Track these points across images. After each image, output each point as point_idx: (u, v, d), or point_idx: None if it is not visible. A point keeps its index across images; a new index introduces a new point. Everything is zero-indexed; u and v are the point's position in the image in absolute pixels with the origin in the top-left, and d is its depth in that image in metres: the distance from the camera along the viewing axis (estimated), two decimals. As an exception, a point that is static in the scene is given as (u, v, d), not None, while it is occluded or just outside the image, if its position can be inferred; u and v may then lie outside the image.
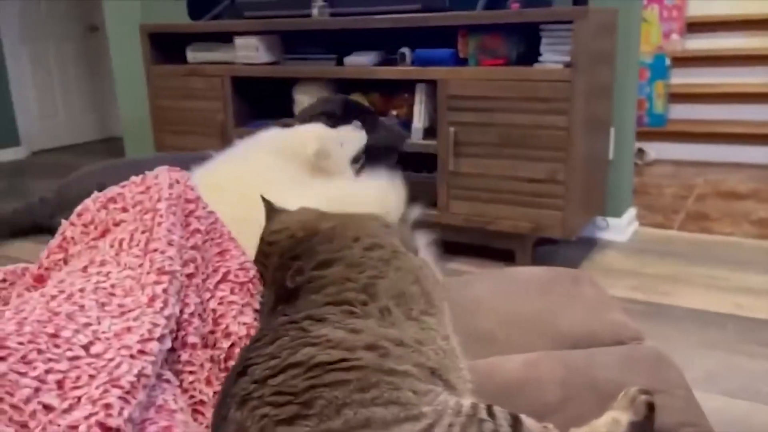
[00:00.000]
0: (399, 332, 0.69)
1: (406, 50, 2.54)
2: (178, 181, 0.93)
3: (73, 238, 0.90)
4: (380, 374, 0.62)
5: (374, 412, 0.58)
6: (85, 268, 0.81)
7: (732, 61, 3.87)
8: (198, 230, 0.89)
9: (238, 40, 2.87)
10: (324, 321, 0.68)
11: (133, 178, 0.94)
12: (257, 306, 0.89)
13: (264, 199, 0.99)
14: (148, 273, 0.78)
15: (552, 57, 2.25)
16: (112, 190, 0.93)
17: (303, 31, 2.81)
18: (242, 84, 2.95)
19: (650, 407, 0.67)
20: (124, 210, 0.89)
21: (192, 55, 3.06)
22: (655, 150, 3.84)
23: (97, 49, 5.44)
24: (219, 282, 0.87)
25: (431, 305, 0.75)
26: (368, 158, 1.62)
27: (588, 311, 0.84)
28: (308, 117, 1.64)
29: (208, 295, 0.85)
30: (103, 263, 0.81)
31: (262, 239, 0.94)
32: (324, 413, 0.58)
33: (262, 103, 3.07)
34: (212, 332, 0.83)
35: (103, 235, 0.88)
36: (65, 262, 0.90)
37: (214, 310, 0.84)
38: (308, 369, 0.62)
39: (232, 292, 0.87)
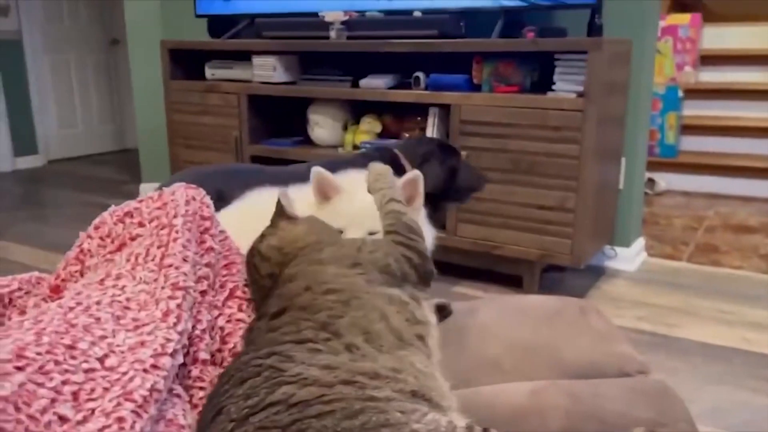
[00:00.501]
0: (372, 364, 0.67)
1: (420, 74, 2.58)
2: (194, 198, 0.95)
3: (90, 250, 0.92)
4: (363, 402, 0.61)
5: None
6: (101, 281, 0.83)
7: (744, 94, 3.89)
8: (212, 248, 0.91)
9: (256, 59, 2.92)
10: (292, 359, 0.66)
11: (150, 194, 0.96)
12: None
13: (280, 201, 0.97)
14: (163, 288, 0.79)
15: (565, 86, 2.27)
16: (129, 204, 0.95)
17: (320, 52, 2.86)
18: (258, 102, 3.00)
19: None
20: (141, 225, 0.91)
21: (210, 71, 3.11)
22: (665, 181, 3.84)
23: (117, 62, 5.54)
24: (227, 299, 0.89)
25: (403, 341, 0.73)
26: (448, 197, 1.78)
27: (594, 342, 0.85)
28: (418, 156, 1.72)
29: (216, 312, 0.86)
30: (119, 277, 0.83)
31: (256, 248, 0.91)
32: None
33: (278, 121, 3.11)
34: (219, 350, 0.84)
35: (119, 249, 0.90)
36: (82, 274, 0.92)
37: (222, 328, 0.85)
38: (290, 406, 0.61)
39: (239, 309, 0.88)
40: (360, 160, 1.64)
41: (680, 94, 3.87)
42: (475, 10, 2.56)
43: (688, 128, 3.95)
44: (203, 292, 0.85)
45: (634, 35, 2.52)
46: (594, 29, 2.38)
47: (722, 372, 1.87)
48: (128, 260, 0.86)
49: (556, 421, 0.74)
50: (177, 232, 0.86)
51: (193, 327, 0.81)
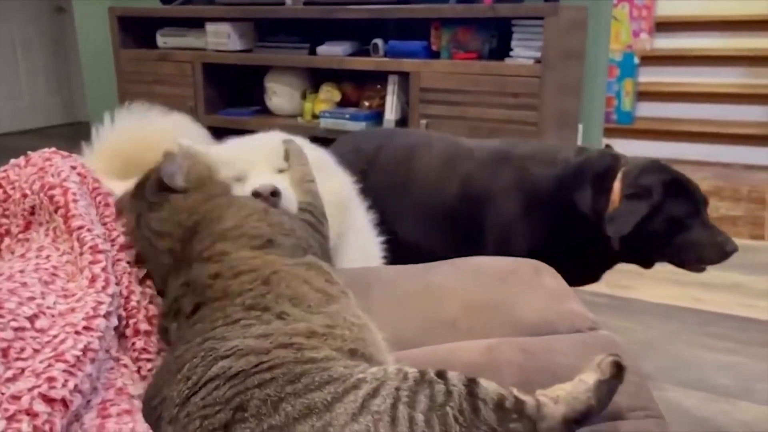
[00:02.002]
0: (307, 324, 0.68)
1: (379, 41, 2.54)
2: (82, 165, 0.90)
3: None
4: (303, 364, 0.61)
5: (312, 398, 0.58)
6: (22, 255, 0.80)
7: (699, 61, 3.95)
8: (108, 205, 0.87)
9: (210, 27, 2.84)
10: (226, 338, 0.66)
11: (13, 161, 0.91)
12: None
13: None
14: (82, 254, 0.76)
15: (523, 52, 2.27)
16: None
17: (276, 19, 2.79)
18: (213, 71, 2.92)
19: (617, 366, 0.67)
20: (24, 195, 0.85)
21: (162, 40, 3.01)
22: (621, 147, 3.90)
23: (64, 31, 5.32)
24: (147, 276, 0.85)
25: (330, 297, 0.74)
26: (653, 250, 1.41)
27: (547, 300, 0.86)
28: (634, 185, 1.37)
29: (139, 288, 0.83)
30: (41, 249, 0.80)
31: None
32: (261, 412, 0.57)
33: (234, 90, 3.04)
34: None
35: (27, 227, 0.85)
36: None
37: (146, 308, 0.82)
38: (229, 379, 0.60)
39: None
40: (575, 152, 1.49)
41: (636, 60, 3.91)
42: (432, -26, 2.52)
43: (644, 95, 4.01)
44: (129, 263, 0.83)
45: (591, 1, 2.53)
46: (552, -5, 2.37)
47: (675, 330, 1.94)
48: (47, 235, 0.82)
49: (510, 376, 0.75)
50: (73, 193, 0.82)
51: (128, 298, 0.79)
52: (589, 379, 0.66)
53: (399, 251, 1.40)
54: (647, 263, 1.44)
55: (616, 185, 1.37)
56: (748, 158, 3.66)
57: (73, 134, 5.03)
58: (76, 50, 4.96)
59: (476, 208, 1.47)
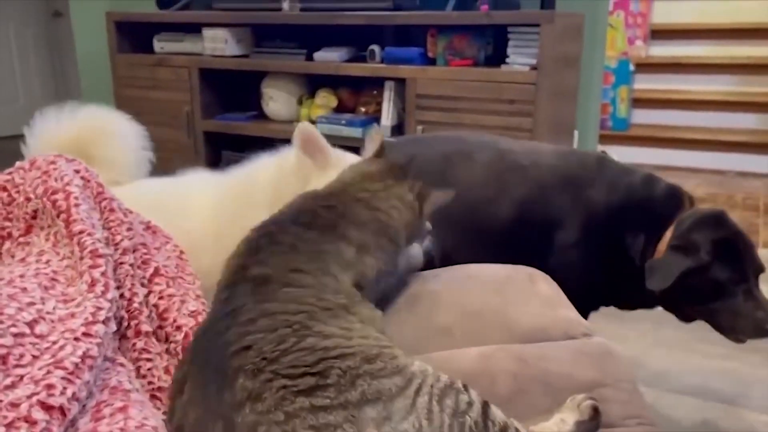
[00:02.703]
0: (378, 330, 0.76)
1: (375, 48, 2.55)
2: (86, 170, 0.91)
3: None
4: (379, 348, 0.68)
5: (383, 384, 0.63)
6: (23, 260, 0.80)
7: (693, 68, 3.99)
8: (122, 220, 0.88)
9: (207, 32, 2.84)
10: (316, 317, 0.71)
11: (19, 164, 0.91)
12: (197, 292, 0.89)
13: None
14: (82, 258, 0.76)
15: (519, 59, 2.28)
16: None
17: (273, 24, 2.80)
18: (210, 76, 2.92)
19: (595, 410, 0.71)
20: (28, 199, 0.86)
21: (159, 45, 3.02)
22: (617, 153, 3.92)
23: (60, 35, 5.31)
24: (153, 276, 0.86)
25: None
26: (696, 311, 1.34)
27: (541, 307, 0.86)
28: (685, 237, 1.26)
29: (145, 290, 0.84)
30: (41, 253, 0.80)
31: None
32: (341, 384, 0.62)
33: (231, 95, 3.04)
34: (161, 327, 0.82)
35: (28, 231, 0.85)
36: None
37: (156, 305, 0.83)
38: (315, 351, 0.66)
39: (168, 285, 0.86)
40: (642, 179, 1.40)
41: (631, 67, 3.94)
42: (429, -18, 2.53)
43: (639, 101, 4.04)
44: (132, 265, 0.83)
45: (587, 9, 2.54)
46: (547, 2, 2.39)
47: (672, 337, 1.94)
48: (47, 239, 0.82)
49: (504, 385, 0.75)
50: (76, 198, 0.82)
51: (130, 300, 0.80)
52: (569, 419, 0.71)
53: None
54: (686, 317, 1.38)
55: (668, 233, 1.28)
56: (742, 165, 3.69)
57: (68, 138, 5.02)
58: (73, 54, 4.96)
59: (531, 234, 1.39)
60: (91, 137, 1.26)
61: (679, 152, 3.86)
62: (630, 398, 0.74)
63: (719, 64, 3.92)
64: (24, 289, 0.68)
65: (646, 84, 4.05)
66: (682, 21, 4.06)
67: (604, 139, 3.82)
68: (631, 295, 1.39)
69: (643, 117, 4.05)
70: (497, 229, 1.41)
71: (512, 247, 1.39)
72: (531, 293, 0.89)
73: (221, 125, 2.91)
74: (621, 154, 3.96)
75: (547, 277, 0.97)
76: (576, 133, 2.67)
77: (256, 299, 0.72)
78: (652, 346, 1.89)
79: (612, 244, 1.34)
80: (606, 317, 2.04)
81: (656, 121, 4.04)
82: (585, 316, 1.46)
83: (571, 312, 0.87)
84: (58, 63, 5.40)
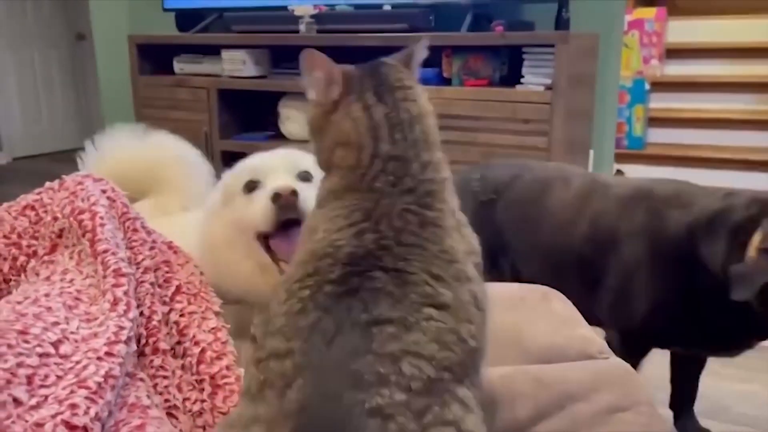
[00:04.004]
0: None
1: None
2: (113, 189, 0.93)
3: (0, 254, 0.87)
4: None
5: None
6: (48, 278, 0.81)
7: (709, 87, 3.97)
8: (145, 240, 0.89)
9: (225, 53, 2.89)
10: (456, 377, 0.60)
11: (48, 184, 0.93)
12: (216, 309, 0.90)
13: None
14: (105, 277, 0.78)
15: (533, 79, 2.30)
16: (26, 198, 0.91)
17: (290, 46, 2.84)
18: (228, 96, 2.97)
19: None
20: (55, 218, 0.87)
21: (179, 66, 3.07)
22: (633, 172, 3.90)
23: (83, 57, 5.43)
24: (174, 294, 0.87)
25: None
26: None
27: (557, 326, 0.86)
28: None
29: (166, 308, 0.85)
30: (65, 272, 0.81)
31: None
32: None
33: (248, 116, 3.09)
34: (179, 342, 0.84)
35: (53, 249, 0.87)
36: (5, 281, 0.86)
37: (176, 323, 0.84)
38: None
39: (189, 302, 0.87)
40: (721, 196, 1.31)
41: (647, 87, 3.93)
42: (444, 3, 2.56)
43: (655, 120, 4.02)
44: (153, 284, 0.84)
45: (601, 29, 2.55)
46: (561, 23, 2.41)
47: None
48: (71, 258, 0.84)
49: (523, 407, 0.75)
50: (101, 217, 0.84)
51: (149, 318, 0.81)
52: None
53: None
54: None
55: (756, 237, 1.14)
56: (760, 184, 3.65)
57: (89, 157, 5.11)
58: (95, 76, 5.08)
59: (600, 252, 1.34)
60: (164, 163, 1.29)
61: (696, 171, 3.83)
62: (650, 421, 0.74)
63: (736, 83, 3.90)
64: (49, 309, 0.70)
65: (662, 103, 4.04)
66: (698, 40, 4.05)
67: (620, 158, 3.81)
68: (721, 326, 1.24)
69: (659, 136, 4.03)
70: (573, 249, 1.37)
71: (585, 268, 1.35)
72: (546, 312, 0.89)
73: (239, 145, 2.95)
74: (637, 174, 3.94)
75: (562, 296, 0.97)
76: (591, 152, 2.67)
77: (398, 317, 0.57)
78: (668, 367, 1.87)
79: (690, 264, 1.23)
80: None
81: (673, 140, 4.01)
82: (648, 346, 1.39)
83: (586, 330, 0.87)
84: (81, 84, 5.51)
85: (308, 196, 0.88)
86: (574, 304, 0.98)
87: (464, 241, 0.69)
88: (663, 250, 1.27)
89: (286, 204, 0.90)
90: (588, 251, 1.36)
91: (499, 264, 1.50)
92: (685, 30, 4.08)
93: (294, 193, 0.90)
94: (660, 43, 4.08)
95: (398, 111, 0.72)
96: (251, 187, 0.95)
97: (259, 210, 0.92)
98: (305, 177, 0.97)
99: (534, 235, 1.46)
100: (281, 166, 0.97)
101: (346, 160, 0.70)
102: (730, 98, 3.93)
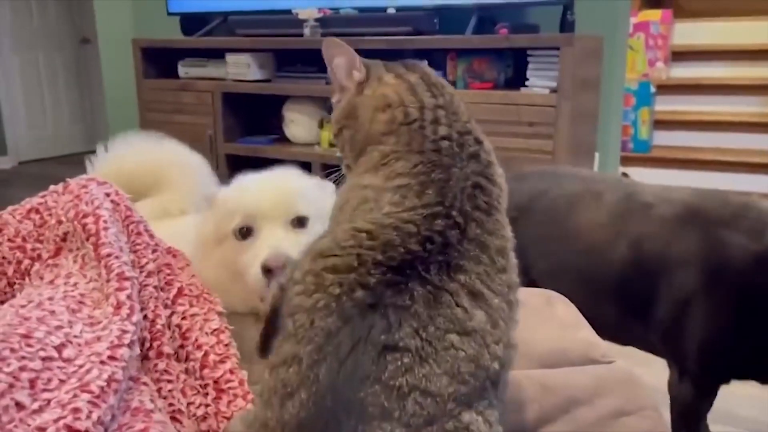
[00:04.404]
0: None
1: (395, 71, 2.58)
2: (116, 193, 0.92)
3: (4, 257, 0.86)
4: None
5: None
6: (51, 281, 0.81)
7: (715, 89, 3.96)
8: (148, 243, 0.89)
9: (230, 57, 2.90)
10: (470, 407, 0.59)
11: (53, 187, 0.92)
12: (218, 309, 0.89)
13: None
14: (108, 281, 0.77)
15: (538, 82, 2.29)
16: (30, 201, 0.90)
17: (294, 49, 2.85)
18: (233, 100, 2.97)
19: None
20: (60, 222, 0.87)
21: (184, 70, 3.08)
22: (638, 175, 3.89)
23: (87, 61, 5.45)
24: (176, 296, 0.87)
25: None
26: None
27: (560, 330, 0.86)
28: None
29: (168, 311, 0.85)
30: (69, 276, 0.81)
31: None
32: None
33: (253, 119, 3.09)
34: (182, 346, 0.83)
35: (57, 253, 0.87)
36: (10, 284, 0.86)
37: (179, 326, 0.84)
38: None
39: (191, 305, 0.87)
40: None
41: (652, 89, 3.92)
42: (448, 6, 2.56)
43: (661, 123, 4.01)
44: (156, 287, 0.84)
45: (606, 31, 2.55)
46: (566, 26, 2.40)
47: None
48: (75, 261, 0.84)
49: (531, 411, 0.75)
50: (105, 221, 0.83)
51: (153, 321, 0.80)
52: None
53: None
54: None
55: None
56: (765, 187, 3.63)
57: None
58: (100, 80, 5.10)
59: (647, 278, 1.24)
60: (164, 164, 1.29)
61: (702, 174, 3.82)
62: (654, 426, 0.73)
63: (742, 85, 3.89)
64: (52, 312, 0.70)
65: (667, 106, 4.03)
66: (703, 42, 4.04)
67: (626, 161, 3.80)
68: None
69: (665, 139, 4.02)
70: (610, 272, 1.28)
71: (625, 295, 1.27)
72: (549, 316, 0.89)
73: (243, 148, 2.95)
74: (643, 177, 3.93)
75: (566, 300, 0.96)
76: (597, 155, 2.66)
77: (416, 346, 0.55)
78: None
79: (750, 295, 1.14)
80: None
81: (678, 142, 4.00)
82: (711, 384, 1.29)
83: (590, 334, 0.86)
84: (86, 88, 5.53)
85: (301, 244, 0.81)
86: (613, 329, 0.94)
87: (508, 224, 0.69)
88: (724, 279, 1.16)
89: (276, 271, 0.86)
90: (631, 277, 1.26)
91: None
92: (691, 32, 4.07)
93: (285, 263, 0.85)
94: (665, 46, 4.07)
95: (429, 76, 0.75)
96: (244, 233, 0.92)
97: (252, 275, 0.88)
98: (300, 222, 0.92)
99: (561, 256, 1.38)
100: (275, 214, 0.92)
101: (394, 119, 0.70)
102: (735, 101, 3.91)
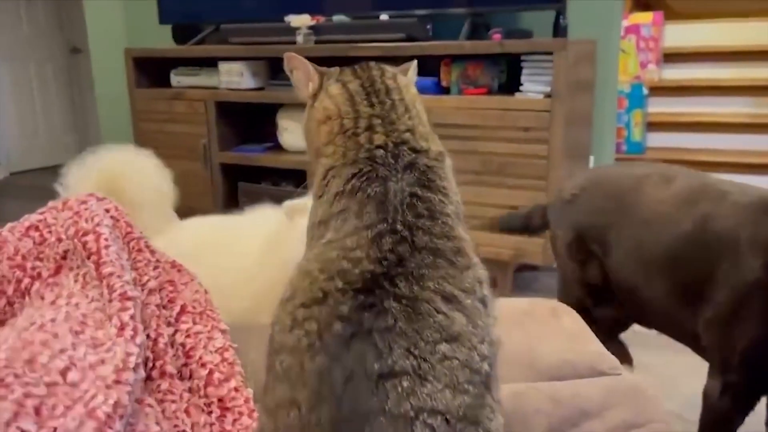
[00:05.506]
0: None
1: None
2: (115, 208, 0.92)
3: (4, 276, 0.85)
4: None
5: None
6: (53, 302, 0.80)
7: (707, 91, 3.97)
8: (149, 260, 0.88)
9: (223, 65, 2.89)
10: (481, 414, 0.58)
11: (51, 203, 0.92)
12: (222, 327, 0.89)
13: None
14: (111, 301, 0.76)
15: (533, 87, 2.29)
16: (29, 218, 0.89)
17: (288, 57, 2.84)
18: (226, 108, 2.96)
19: None
20: (59, 240, 0.86)
21: (176, 79, 3.07)
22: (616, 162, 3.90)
23: (79, 70, 5.43)
24: (179, 314, 0.86)
25: None
26: None
27: (567, 342, 0.85)
28: None
29: (171, 329, 0.84)
30: (71, 296, 0.80)
31: None
32: None
33: (247, 127, 3.08)
34: (185, 365, 0.82)
35: (57, 271, 0.86)
36: (10, 304, 0.85)
37: (182, 344, 0.83)
38: None
39: (194, 323, 0.86)
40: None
41: (645, 91, 3.94)
42: (441, 13, 2.56)
43: (654, 125, 4.02)
44: (158, 305, 0.83)
45: (599, 35, 2.55)
46: (559, 30, 2.41)
47: (697, 365, 1.90)
48: (76, 280, 0.83)
49: (538, 425, 0.74)
50: (105, 239, 0.83)
51: (155, 341, 0.80)
52: None
53: (610, 290, 1.28)
54: None
55: None
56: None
57: (87, 171, 5.08)
58: (92, 89, 5.08)
59: (705, 257, 1.19)
60: (115, 179, 1.29)
61: (695, 175, 3.83)
62: (664, 438, 0.73)
63: (733, 86, 3.91)
64: (55, 335, 0.69)
65: (660, 107, 4.04)
66: (694, 44, 4.06)
67: (621, 162, 3.81)
68: None
69: (658, 140, 4.03)
70: (668, 246, 1.23)
71: (680, 270, 1.22)
72: (555, 327, 0.89)
73: (237, 157, 2.94)
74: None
75: (572, 311, 0.96)
76: (591, 158, 2.67)
77: (413, 365, 0.54)
78: (678, 375, 1.86)
79: None
80: (629, 345, 2.01)
81: (672, 144, 4.02)
82: (755, 395, 1.23)
83: (597, 346, 0.86)
84: (78, 98, 5.50)
85: None
86: (654, 305, 0.91)
87: (464, 225, 0.68)
88: None
89: None
90: (688, 253, 1.21)
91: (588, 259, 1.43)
92: (682, 34, 4.09)
93: None
94: (657, 48, 4.09)
95: (374, 83, 0.74)
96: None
97: None
98: None
99: (622, 229, 1.33)
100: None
101: (332, 131, 0.71)
102: (729, 101, 3.93)
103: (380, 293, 0.56)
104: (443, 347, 0.55)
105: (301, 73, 0.80)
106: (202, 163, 2.99)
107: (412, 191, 0.64)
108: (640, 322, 1.44)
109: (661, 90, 4.04)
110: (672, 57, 4.11)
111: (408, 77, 0.82)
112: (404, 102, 0.73)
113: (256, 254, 1.12)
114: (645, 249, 1.28)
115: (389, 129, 0.69)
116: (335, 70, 0.80)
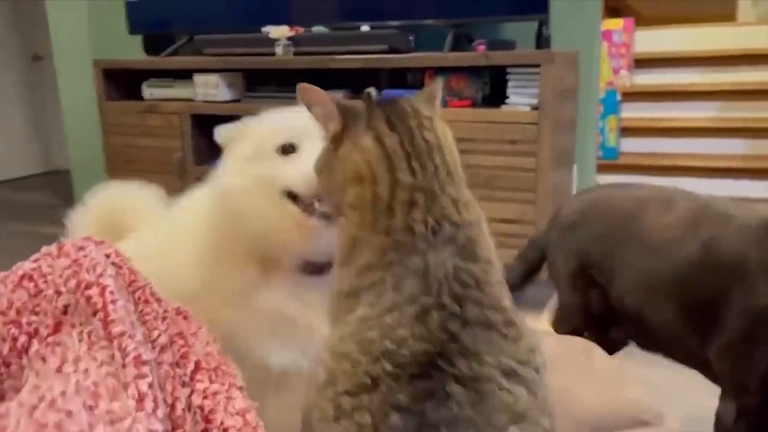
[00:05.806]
0: None
1: (372, 90, 2.53)
2: (115, 254, 0.85)
3: None
4: None
5: None
6: (59, 369, 0.73)
7: (678, 96, 4.04)
8: (147, 301, 0.82)
9: (198, 77, 2.80)
10: None
11: (45, 249, 0.83)
12: (239, 384, 0.83)
13: None
14: (124, 366, 0.70)
15: (519, 99, 2.28)
16: (22, 266, 0.81)
17: (266, 69, 2.77)
18: (202, 121, 2.87)
19: None
20: (58, 293, 0.78)
21: (149, 91, 2.96)
22: (608, 183, 3.94)
23: (41, 79, 5.23)
24: (194, 372, 0.80)
25: None
26: None
27: (606, 388, 0.83)
28: None
29: (188, 390, 0.78)
30: (77, 360, 0.73)
31: None
32: None
33: (223, 140, 2.99)
34: (206, 430, 0.76)
35: (57, 328, 0.79)
36: (6, 364, 0.78)
37: (200, 407, 0.77)
38: None
39: (211, 381, 0.80)
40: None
41: (618, 97, 3.98)
42: (423, 24, 2.53)
43: (627, 130, 4.07)
44: (171, 364, 0.77)
45: (580, 44, 2.56)
46: (542, 41, 2.40)
47: (696, 380, 1.89)
48: (80, 340, 0.75)
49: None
50: (111, 292, 0.75)
51: (173, 406, 0.73)
52: None
53: (611, 317, 1.25)
54: None
55: None
56: (732, 191, 3.72)
57: (51, 184, 4.90)
58: (54, 98, 4.90)
59: (717, 280, 1.15)
60: (122, 213, 1.27)
61: (669, 179, 3.89)
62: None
63: (703, 91, 3.98)
64: (69, 413, 0.62)
65: (633, 113, 4.09)
66: (665, 49, 4.13)
67: (596, 168, 3.84)
68: None
69: (632, 146, 4.08)
70: (674, 271, 1.20)
71: (689, 296, 1.19)
72: (589, 371, 0.86)
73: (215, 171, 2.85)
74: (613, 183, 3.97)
75: (600, 349, 0.93)
76: (575, 166, 2.67)
77: None
78: (677, 388, 1.85)
79: None
80: (628, 356, 2.00)
81: (645, 149, 4.07)
82: None
83: (636, 391, 0.83)
84: (40, 108, 5.30)
85: None
86: (662, 331, 0.89)
87: (508, 290, 0.64)
88: None
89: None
90: (696, 278, 1.18)
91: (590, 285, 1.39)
92: (652, 40, 4.15)
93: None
94: (628, 54, 4.14)
95: (413, 138, 0.66)
96: (287, 149, 0.96)
97: (299, 174, 0.90)
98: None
99: (625, 253, 1.31)
100: (317, 131, 0.93)
101: (363, 197, 0.63)
102: (699, 106, 4.00)
103: (439, 376, 0.51)
104: (513, 430, 0.51)
105: (321, 111, 0.72)
106: (176, 177, 2.89)
107: (455, 264, 0.59)
108: (647, 348, 1.42)
109: (633, 95, 4.10)
110: (643, 63, 4.16)
111: (436, 108, 0.76)
112: (446, 164, 0.66)
113: (193, 234, 1.08)
114: (651, 275, 1.26)
115: (431, 205, 0.63)
116: (361, 108, 0.73)
